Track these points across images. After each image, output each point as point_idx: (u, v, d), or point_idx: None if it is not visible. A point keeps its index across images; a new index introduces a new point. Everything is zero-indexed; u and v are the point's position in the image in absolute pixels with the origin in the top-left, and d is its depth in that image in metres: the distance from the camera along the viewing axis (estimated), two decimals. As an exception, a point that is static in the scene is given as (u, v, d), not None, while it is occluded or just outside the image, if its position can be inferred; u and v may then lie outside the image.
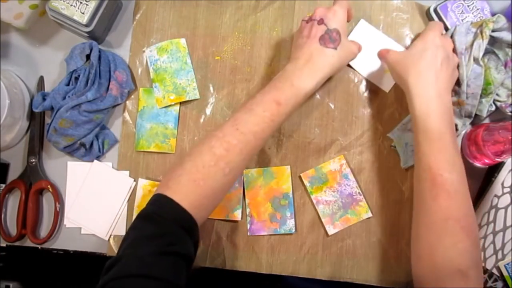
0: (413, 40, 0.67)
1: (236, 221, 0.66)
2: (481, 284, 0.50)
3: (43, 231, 0.68)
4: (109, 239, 0.66)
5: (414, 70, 0.57)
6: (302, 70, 0.55)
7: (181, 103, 0.68)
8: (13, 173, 0.69)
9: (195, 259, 0.66)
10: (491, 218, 0.64)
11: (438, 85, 0.56)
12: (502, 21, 0.61)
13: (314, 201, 0.65)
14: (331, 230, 0.65)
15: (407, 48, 0.67)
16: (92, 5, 0.64)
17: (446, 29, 0.66)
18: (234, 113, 0.55)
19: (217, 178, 0.51)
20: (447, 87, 0.57)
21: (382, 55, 0.64)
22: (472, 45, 0.61)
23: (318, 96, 0.68)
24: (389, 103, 0.68)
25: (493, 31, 0.61)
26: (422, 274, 0.53)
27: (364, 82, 0.68)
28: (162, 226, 0.48)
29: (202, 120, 0.68)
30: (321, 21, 0.57)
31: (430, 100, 0.55)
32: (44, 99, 0.65)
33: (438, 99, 0.55)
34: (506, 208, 0.64)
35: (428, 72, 0.56)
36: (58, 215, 0.67)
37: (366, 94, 0.68)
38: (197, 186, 0.50)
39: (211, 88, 0.69)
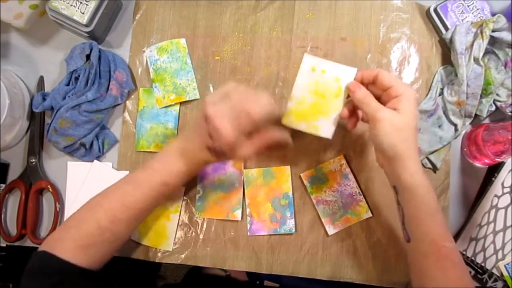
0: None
1: (236, 221, 0.66)
2: None
3: (43, 231, 0.68)
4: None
5: (412, 138, 0.52)
6: (186, 157, 0.56)
7: (181, 103, 0.68)
8: (13, 173, 0.69)
9: (196, 259, 0.66)
10: (491, 218, 0.64)
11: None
12: (502, 21, 0.61)
13: (314, 201, 0.65)
14: (331, 230, 0.65)
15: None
16: (92, 5, 0.64)
17: (446, 29, 0.66)
18: (122, 183, 0.56)
19: (103, 246, 0.54)
20: None
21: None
22: (472, 45, 0.61)
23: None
24: (389, 103, 0.68)
25: (493, 31, 0.61)
26: None
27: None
28: (54, 277, 0.49)
29: (202, 120, 0.69)
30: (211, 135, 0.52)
31: (422, 172, 0.52)
32: (44, 99, 0.65)
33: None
34: (506, 208, 0.64)
35: (415, 141, 0.53)
36: (58, 215, 0.67)
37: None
38: (82, 251, 0.52)
39: (211, 88, 0.69)
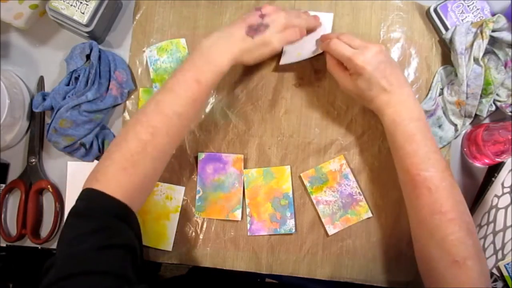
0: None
1: (236, 221, 0.66)
2: (484, 274, 0.49)
3: (43, 231, 0.68)
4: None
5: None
6: (216, 45, 0.56)
7: (181, 103, 0.68)
8: (13, 173, 0.69)
9: (196, 259, 0.66)
10: (491, 218, 0.64)
11: None
12: (502, 21, 0.61)
13: (314, 201, 0.65)
14: (331, 230, 0.65)
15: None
16: (92, 5, 0.64)
17: (446, 29, 0.66)
18: (155, 94, 0.55)
19: (146, 164, 0.51)
20: None
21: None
22: (472, 45, 0.61)
23: (318, 96, 0.68)
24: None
25: (493, 31, 0.61)
26: (423, 270, 0.53)
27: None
28: (96, 220, 0.47)
29: (202, 120, 0.68)
30: (261, 16, 0.58)
31: (403, 103, 0.57)
32: (44, 99, 0.65)
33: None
34: (506, 208, 0.64)
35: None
36: (58, 215, 0.67)
37: (366, 94, 0.68)
38: (126, 175, 0.50)
39: (211, 88, 0.69)
